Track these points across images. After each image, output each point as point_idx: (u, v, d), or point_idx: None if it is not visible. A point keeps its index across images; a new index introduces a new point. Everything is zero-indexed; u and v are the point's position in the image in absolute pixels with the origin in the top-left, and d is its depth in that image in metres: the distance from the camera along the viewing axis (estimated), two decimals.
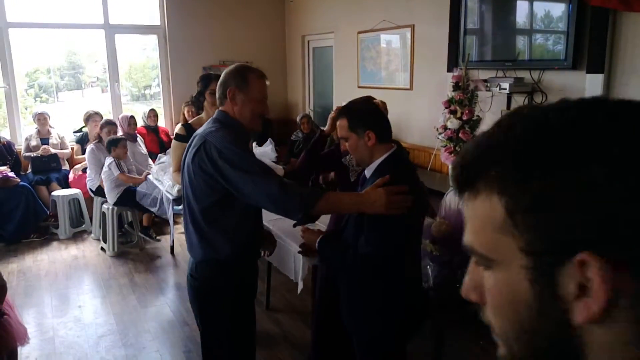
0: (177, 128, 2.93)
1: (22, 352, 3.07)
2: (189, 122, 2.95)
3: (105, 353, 3.12)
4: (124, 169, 4.81)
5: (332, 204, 1.81)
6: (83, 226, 5.47)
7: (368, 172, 1.86)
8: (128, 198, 4.78)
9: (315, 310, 2.61)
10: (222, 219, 1.92)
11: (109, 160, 4.79)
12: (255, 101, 1.93)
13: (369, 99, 2.02)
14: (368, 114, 1.84)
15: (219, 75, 1.99)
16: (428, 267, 2.17)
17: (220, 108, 1.98)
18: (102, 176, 4.86)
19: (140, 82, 7.54)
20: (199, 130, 1.95)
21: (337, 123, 1.88)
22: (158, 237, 5.12)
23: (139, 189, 4.71)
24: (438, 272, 2.08)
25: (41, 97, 6.78)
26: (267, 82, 2.00)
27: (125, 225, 5.13)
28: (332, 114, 2.12)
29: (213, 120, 1.95)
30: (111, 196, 4.81)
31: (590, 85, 2.97)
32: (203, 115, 2.89)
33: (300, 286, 2.65)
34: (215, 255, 1.93)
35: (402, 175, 1.76)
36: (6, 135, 5.78)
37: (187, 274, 2.06)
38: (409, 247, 1.85)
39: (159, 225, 5.39)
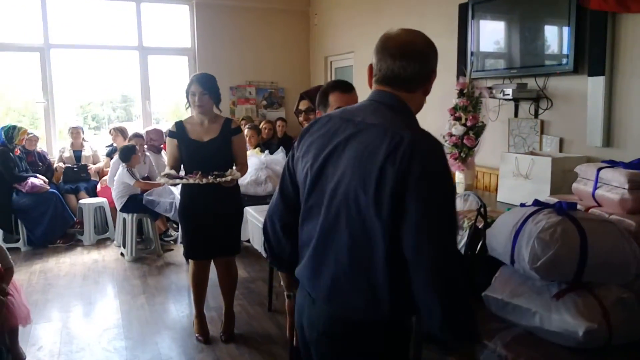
0: (171, 125, 3.14)
1: (29, 340, 3.21)
2: (182, 120, 3.12)
3: (106, 344, 3.20)
4: (137, 176, 5.02)
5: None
6: (107, 234, 5.69)
7: None
8: (133, 204, 4.99)
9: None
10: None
11: (122, 168, 4.97)
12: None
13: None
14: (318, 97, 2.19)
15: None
16: None
17: (395, 94, 1.30)
18: (115, 181, 5.04)
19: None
20: (378, 120, 1.25)
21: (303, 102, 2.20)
22: (174, 234, 5.48)
23: (148, 196, 4.89)
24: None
25: (89, 125, 7.24)
26: None
27: (150, 235, 5.26)
28: None
29: (394, 109, 1.28)
30: (119, 202, 5.02)
31: (593, 88, 2.92)
32: (193, 114, 3.10)
33: None
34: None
35: None
36: (42, 146, 6.14)
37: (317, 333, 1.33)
38: None
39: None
